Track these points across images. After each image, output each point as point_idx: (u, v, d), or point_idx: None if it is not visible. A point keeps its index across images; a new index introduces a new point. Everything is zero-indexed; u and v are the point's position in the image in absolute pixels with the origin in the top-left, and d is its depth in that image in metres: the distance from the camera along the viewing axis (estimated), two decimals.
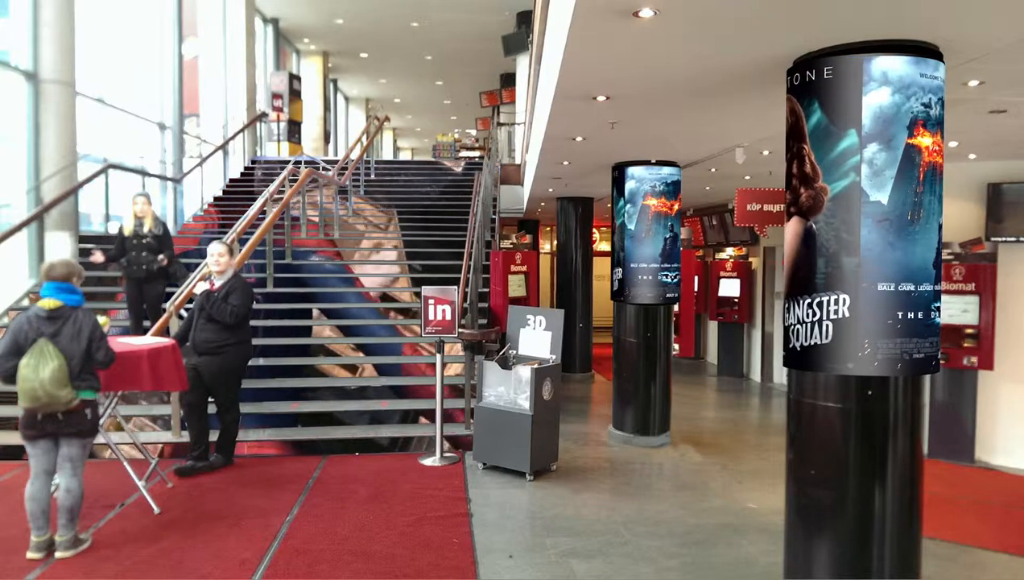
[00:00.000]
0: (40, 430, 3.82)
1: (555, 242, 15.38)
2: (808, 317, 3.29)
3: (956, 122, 5.11)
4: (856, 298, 3.17)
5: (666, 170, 6.84)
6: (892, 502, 3.30)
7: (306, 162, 11.63)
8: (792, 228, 3.38)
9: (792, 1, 2.79)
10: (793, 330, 3.38)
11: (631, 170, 6.79)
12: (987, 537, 5.16)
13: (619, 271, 6.90)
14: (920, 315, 3.19)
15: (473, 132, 24.92)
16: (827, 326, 3.23)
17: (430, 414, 6.31)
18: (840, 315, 3.20)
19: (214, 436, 5.51)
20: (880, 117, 3.14)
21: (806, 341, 3.31)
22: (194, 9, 12.20)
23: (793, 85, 3.37)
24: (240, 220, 8.07)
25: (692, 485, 5.72)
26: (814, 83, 3.25)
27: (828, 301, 3.23)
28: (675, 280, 6.89)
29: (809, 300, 3.28)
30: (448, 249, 9.58)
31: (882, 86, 3.14)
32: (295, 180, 9.05)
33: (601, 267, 11.62)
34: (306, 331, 7.67)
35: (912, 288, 3.17)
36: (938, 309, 3.25)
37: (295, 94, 15.06)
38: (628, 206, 6.81)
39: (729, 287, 12.35)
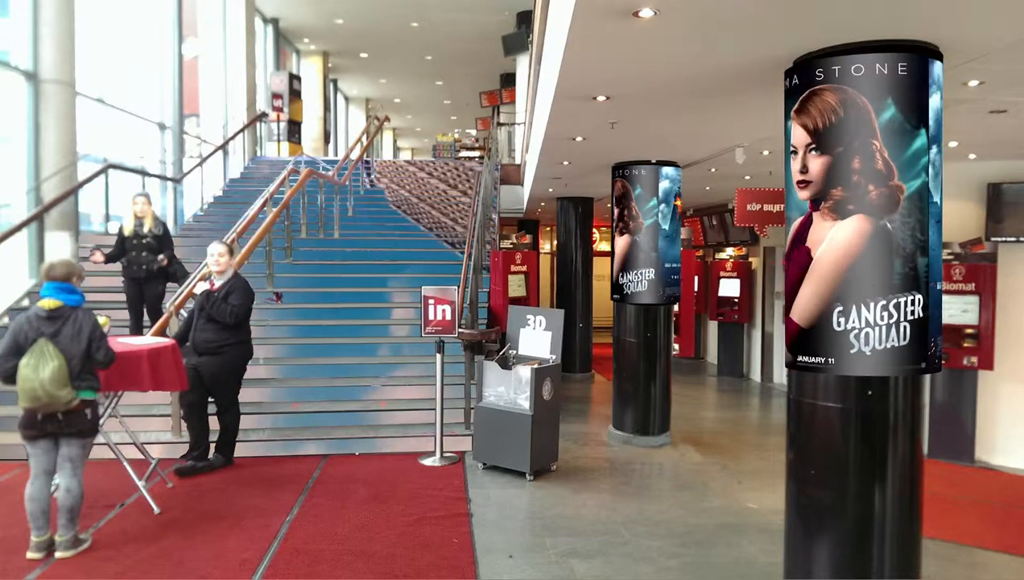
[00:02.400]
0: (40, 430, 3.82)
1: (555, 242, 15.39)
2: (883, 319, 3.17)
3: (956, 122, 5.10)
4: (927, 298, 3.19)
5: (684, 171, 6.98)
6: (892, 502, 3.30)
7: (306, 162, 11.63)
8: (855, 227, 3.18)
9: (792, 1, 2.80)
10: (860, 334, 3.20)
11: (665, 170, 6.81)
12: (987, 537, 5.16)
13: (650, 272, 6.78)
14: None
15: (473, 132, 24.92)
16: (904, 327, 3.17)
17: (430, 414, 6.30)
18: (916, 316, 3.17)
19: (214, 436, 5.52)
20: (936, 119, 3.20)
21: (879, 344, 3.18)
22: (194, 9, 12.20)
23: (854, 76, 3.20)
24: (240, 220, 8.07)
25: (692, 485, 5.72)
26: (887, 78, 3.16)
27: (905, 302, 3.16)
28: None
29: (884, 302, 3.16)
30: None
31: (937, 90, 3.19)
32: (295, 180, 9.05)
33: (601, 267, 11.63)
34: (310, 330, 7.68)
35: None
36: None
37: (295, 94, 15.07)
38: (663, 206, 6.78)
39: (729, 287, 12.35)
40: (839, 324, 3.23)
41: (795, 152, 3.36)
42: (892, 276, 3.16)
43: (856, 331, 3.21)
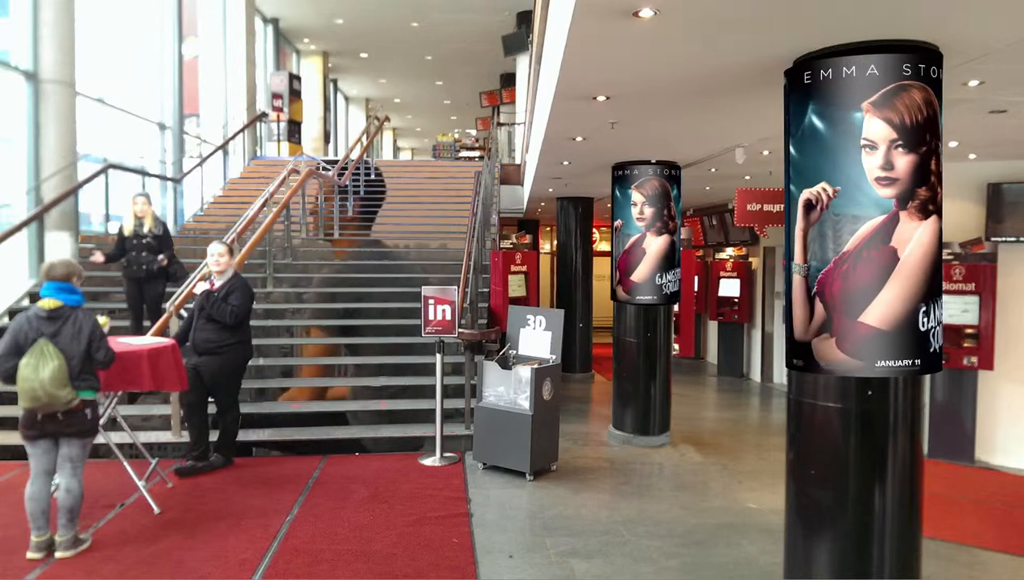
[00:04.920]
0: (40, 430, 3.82)
1: (555, 242, 15.39)
2: (942, 317, 3.31)
3: (956, 122, 5.10)
4: None
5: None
6: (892, 502, 3.30)
7: (306, 162, 11.63)
8: (934, 227, 3.22)
9: (792, 1, 2.80)
10: (934, 333, 3.27)
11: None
12: (987, 537, 5.16)
13: (679, 270, 6.90)
14: None
15: (473, 132, 24.92)
16: (942, 325, 3.36)
17: (430, 414, 6.30)
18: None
19: (214, 436, 5.52)
20: None
21: (941, 341, 3.31)
22: (194, 9, 12.20)
23: (932, 78, 3.21)
24: (240, 220, 8.07)
25: (692, 485, 5.72)
26: (938, 81, 3.22)
27: (943, 301, 3.34)
28: None
29: (942, 300, 3.30)
30: None
31: None
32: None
33: (601, 267, 11.64)
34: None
35: None
36: None
37: (295, 94, 15.07)
38: (681, 206, 6.91)
39: (729, 287, 12.36)
40: (923, 324, 3.21)
41: (874, 147, 3.19)
42: (941, 275, 3.30)
43: (933, 330, 3.25)
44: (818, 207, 3.33)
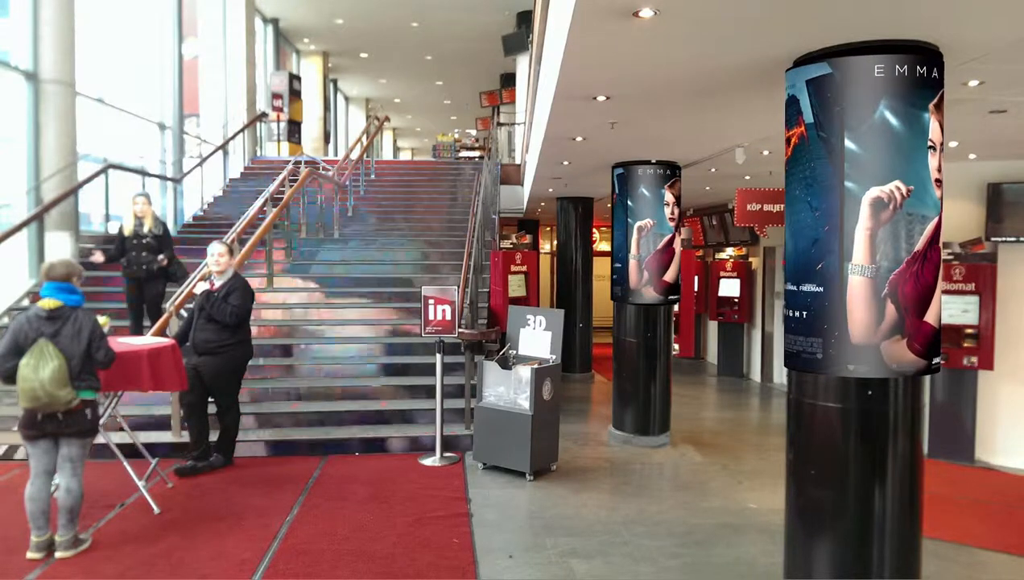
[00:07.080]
0: (40, 430, 3.82)
1: (555, 242, 15.39)
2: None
3: (956, 122, 5.10)
4: None
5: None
6: (892, 502, 3.30)
7: (306, 162, 11.63)
8: None
9: (792, 2, 2.80)
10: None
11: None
12: (987, 537, 5.15)
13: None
14: None
15: (473, 132, 24.91)
16: None
17: (430, 414, 6.30)
18: None
19: (214, 436, 5.52)
20: None
21: None
22: (194, 9, 12.20)
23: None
24: (240, 220, 8.07)
25: (692, 485, 5.72)
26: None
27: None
28: None
29: None
30: None
31: None
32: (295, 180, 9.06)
33: (601, 267, 11.64)
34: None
35: None
36: None
37: (295, 94, 15.07)
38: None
39: (729, 287, 12.35)
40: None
41: (934, 149, 3.21)
42: None
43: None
44: (891, 206, 3.22)
